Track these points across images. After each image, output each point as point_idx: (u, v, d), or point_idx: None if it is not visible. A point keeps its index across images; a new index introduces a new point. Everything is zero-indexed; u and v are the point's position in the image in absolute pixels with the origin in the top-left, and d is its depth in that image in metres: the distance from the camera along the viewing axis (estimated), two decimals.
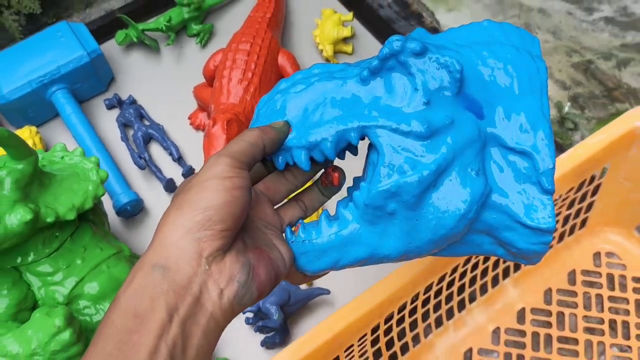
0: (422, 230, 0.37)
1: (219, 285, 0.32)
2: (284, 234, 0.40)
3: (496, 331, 0.69)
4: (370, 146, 0.39)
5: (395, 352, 0.66)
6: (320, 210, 0.67)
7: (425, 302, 0.64)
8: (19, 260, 0.57)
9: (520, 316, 0.70)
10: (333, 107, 0.38)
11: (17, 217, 0.52)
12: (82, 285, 0.58)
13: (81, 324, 0.54)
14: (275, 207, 0.40)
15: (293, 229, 0.39)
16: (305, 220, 0.41)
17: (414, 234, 0.37)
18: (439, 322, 0.69)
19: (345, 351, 0.57)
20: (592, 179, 0.68)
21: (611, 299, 0.71)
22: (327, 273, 0.41)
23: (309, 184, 0.44)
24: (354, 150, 0.40)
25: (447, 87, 0.37)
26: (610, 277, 0.72)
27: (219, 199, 0.33)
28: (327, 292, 0.70)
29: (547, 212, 0.37)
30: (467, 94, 0.38)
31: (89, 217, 0.63)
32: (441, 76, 0.37)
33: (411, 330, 0.65)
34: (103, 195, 0.60)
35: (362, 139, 0.38)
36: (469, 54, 0.39)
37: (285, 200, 0.41)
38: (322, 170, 0.42)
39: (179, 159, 0.81)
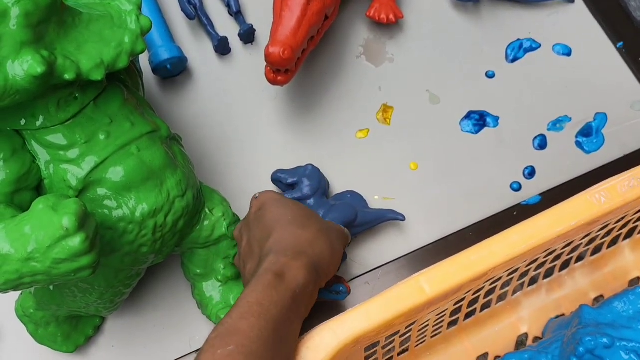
0: None
1: None
2: None
3: (598, 300, 0.56)
4: None
5: (474, 309, 0.53)
6: None
7: (531, 261, 0.50)
8: (22, 122, 0.42)
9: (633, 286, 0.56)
10: None
11: (24, 67, 0.37)
12: (103, 168, 0.44)
13: (97, 222, 0.40)
14: None
15: None
16: None
17: None
18: (533, 280, 0.55)
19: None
20: None
21: None
22: None
23: None
24: None
25: None
26: None
27: None
28: (402, 218, 0.56)
29: None
30: None
31: (121, 77, 0.48)
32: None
33: (502, 288, 0.52)
34: (143, 52, 0.44)
35: None
36: None
37: None
38: None
39: (237, 14, 0.64)
